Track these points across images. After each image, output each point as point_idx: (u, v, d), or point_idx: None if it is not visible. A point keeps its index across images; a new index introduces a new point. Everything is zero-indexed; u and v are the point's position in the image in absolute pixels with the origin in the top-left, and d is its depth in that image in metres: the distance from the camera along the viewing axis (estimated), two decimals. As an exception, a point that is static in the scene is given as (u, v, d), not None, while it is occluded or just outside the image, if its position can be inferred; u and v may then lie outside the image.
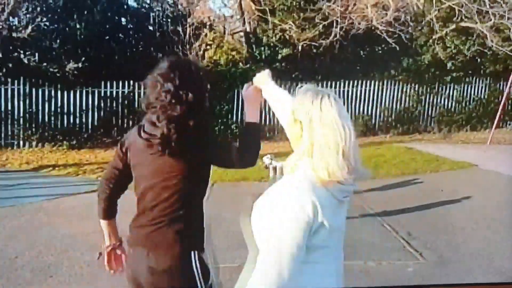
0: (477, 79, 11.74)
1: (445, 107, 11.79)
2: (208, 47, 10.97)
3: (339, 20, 10.61)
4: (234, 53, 11.41)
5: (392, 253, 5.45)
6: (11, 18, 9.81)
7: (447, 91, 11.78)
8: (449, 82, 11.71)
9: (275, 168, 6.02)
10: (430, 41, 11.30)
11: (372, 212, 6.64)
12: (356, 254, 5.26)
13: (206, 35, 10.84)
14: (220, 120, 10.58)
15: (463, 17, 10.53)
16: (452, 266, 5.19)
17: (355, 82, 11.37)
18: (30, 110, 10.21)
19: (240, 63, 11.23)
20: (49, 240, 5.96)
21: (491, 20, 9.99)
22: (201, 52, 10.67)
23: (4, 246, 5.77)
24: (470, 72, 11.66)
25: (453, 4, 10.41)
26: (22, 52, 9.80)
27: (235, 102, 10.73)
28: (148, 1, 11.09)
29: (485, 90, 11.84)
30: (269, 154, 6.50)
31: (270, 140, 10.19)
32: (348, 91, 11.34)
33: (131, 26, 10.91)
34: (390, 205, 6.88)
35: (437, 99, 11.77)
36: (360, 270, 4.95)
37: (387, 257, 5.30)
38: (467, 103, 11.82)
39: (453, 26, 10.80)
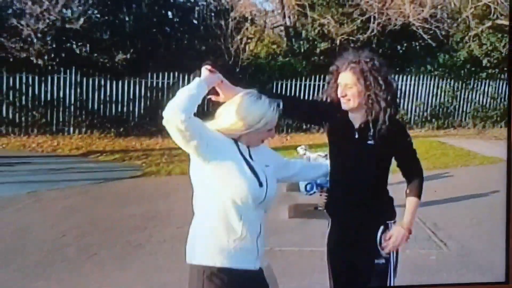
0: None
1: (480, 103, 11.79)
2: (249, 40, 11.20)
3: (376, 15, 10.76)
4: (274, 46, 11.67)
5: (417, 242, 5.76)
6: (64, 10, 10.15)
7: (482, 87, 11.78)
8: (485, 78, 11.71)
9: (308, 158, 6.32)
10: (466, 38, 11.32)
11: (401, 204, 6.94)
12: (382, 243, 5.59)
13: (247, 28, 11.05)
14: (258, 111, 10.81)
15: (499, 15, 10.55)
16: (474, 257, 5.49)
17: (392, 76, 11.38)
18: (81, 98, 10.56)
19: (280, 56, 11.50)
20: (94, 221, 6.41)
21: (527, 17, 10.02)
22: (243, 45, 10.90)
23: (53, 225, 6.24)
24: (505, 69, 11.45)
25: (488, 2, 10.46)
26: (74, 42, 10.24)
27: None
28: None
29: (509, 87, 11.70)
30: (304, 145, 6.82)
31: (307, 131, 10.46)
32: None
33: (177, 20, 11.16)
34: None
35: (472, 95, 11.79)
36: (385, 258, 5.29)
37: (412, 246, 5.61)
38: (502, 100, 11.70)
39: (489, 24, 10.81)
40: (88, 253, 5.54)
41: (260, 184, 2.44)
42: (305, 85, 10.86)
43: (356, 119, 2.87)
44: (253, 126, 2.47)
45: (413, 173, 3.00)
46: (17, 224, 6.28)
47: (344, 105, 2.84)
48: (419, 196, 3.00)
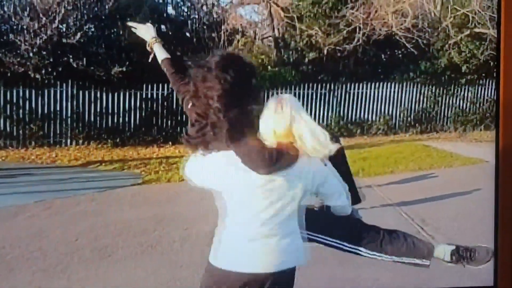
0: (490, 81, 11.91)
1: (460, 107, 12.13)
2: (240, 51, 11.44)
3: (361, 26, 11.17)
4: (263, 56, 11.93)
5: (408, 236, 6.19)
6: (60, 26, 10.36)
7: (462, 93, 12.12)
8: (464, 84, 12.06)
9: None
10: (446, 46, 11.71)
11: (391, 203, 7.34)
12: (376, 238, 6.01)
13: (238, 40, 11.34)
14: (250, 119, 11.03)
15: (477, 23, 11.02)
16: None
17: (377, 84, 11.82)
18: (77, 110, 10.75)
19: (269, 66, 11.78)
20: (104, 225, 6.70)
21: (503, 26, 10.36)
22: None
23: (65, 230, 6.50)
24: (483, 74, 11.97)
25: (467, 11, 10.97)
26: (71, 56, 10.39)
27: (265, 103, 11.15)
28: (186, 10, 11.60)
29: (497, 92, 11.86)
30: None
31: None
32: (370, 93, 11.82)
33: (170, 33, 11.41)
34: (407, 196, 7.54)
35: (452, 100, 12.13)
36: (380, 250, 5.69)
37: (403, 240, 6.04)
38: (481, 104, 12.12)
39: (468, 32, 11.27)
40: (102, 254, 5.86)
41: None
42: (295, 93, 11.08)
43: None
44: None
45: None
46: (30, 231, 6.49)
47: None
48: None
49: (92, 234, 6.43)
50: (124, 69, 10.53)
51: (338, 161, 2.91)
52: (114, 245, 6.10)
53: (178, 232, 6.36)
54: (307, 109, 3.26)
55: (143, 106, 11.04)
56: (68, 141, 10.75)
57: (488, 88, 12.16)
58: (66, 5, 10.23)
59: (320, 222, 2.97)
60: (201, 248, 5.49)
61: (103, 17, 10.91)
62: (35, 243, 6.15)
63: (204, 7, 11.47)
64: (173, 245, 5.93)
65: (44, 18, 10.06)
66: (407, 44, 11.43)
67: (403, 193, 7.75)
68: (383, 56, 12.28)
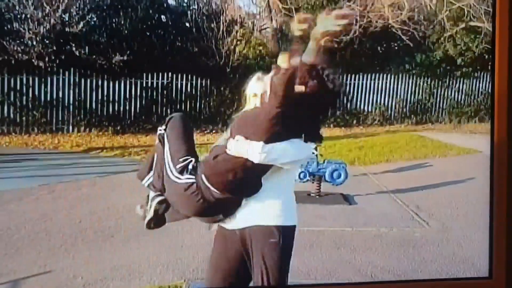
0: (485, 74, 12.16)
1: (455, 99, 12.36)
2: (238, 42, 11.64)
3: (358, 18, 11.28)
4: (261, 47, 12.06)
5: (402, 222, 6.38)
6: (63, 15, 10.53)
7: (457, 85, 12.35)
8: (459, 76, 12.27)
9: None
10: (442, 38, 11.94)
11: (386, 190, 7.54)
12: (371, 223, 6.19)
13: (237, 31, 11.48)
14: (248, 108, 11.14)
15: (472, 17, 11.22)
16: (453, 233, 6.11)
17: (373, 75, 12.02)
18: (79, 98, 10.91)
19: (267, 57, 11.89)
20: (107, 208, 6.81)
21: (497, 19, 10.55)
22: (232, 47, 11.33)
23: (69, 213, 6.63)
24: (478, 67, 12.17)
25: (462, 5, 11.13)
26: (73, 45, 10.50)
27: (263, 93, 11.28)
28: (186, 0, 11.73)
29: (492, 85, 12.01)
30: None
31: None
32: (366, 84, 12.02)
33: (170, 23, 11.53)
34: (402, 184, 7.73)
35: (448, 92, 12.36)
36: (375, 235, 5.88)
37: (397, 225, 6.24)
38: (476, 96, 12.36)
39: (463, 25, 11.47)
40: (106, 235, 5.99)
41: None
42: (292, 84, 11.27)
43: None
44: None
45: None
46: (35, 213, 6.60)
47: None
48: None
49: (95, 216, 6.55)
50: (125, 58, 10.64)
51: None
52: (117, 227, 6.22)
53: (179, 215, 6.51)
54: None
55: (143, 94, 11.19)
56: (70, 127, 10.90)
57: (482, 81, 12.38)
58: (69, -5, 10.36)
59: None
60: (200, 229, 5.63)
61: (105, 7, 11.08)
62: (40, 224, 6.26)
63: (204, -3, 11.58)
64: (173, 226, 6.06)
65: (47, 7, 10.23)
66: (403, 37, 11.63)
67: (399, 181, 7.92)
68: (379, 48, 12.46)
